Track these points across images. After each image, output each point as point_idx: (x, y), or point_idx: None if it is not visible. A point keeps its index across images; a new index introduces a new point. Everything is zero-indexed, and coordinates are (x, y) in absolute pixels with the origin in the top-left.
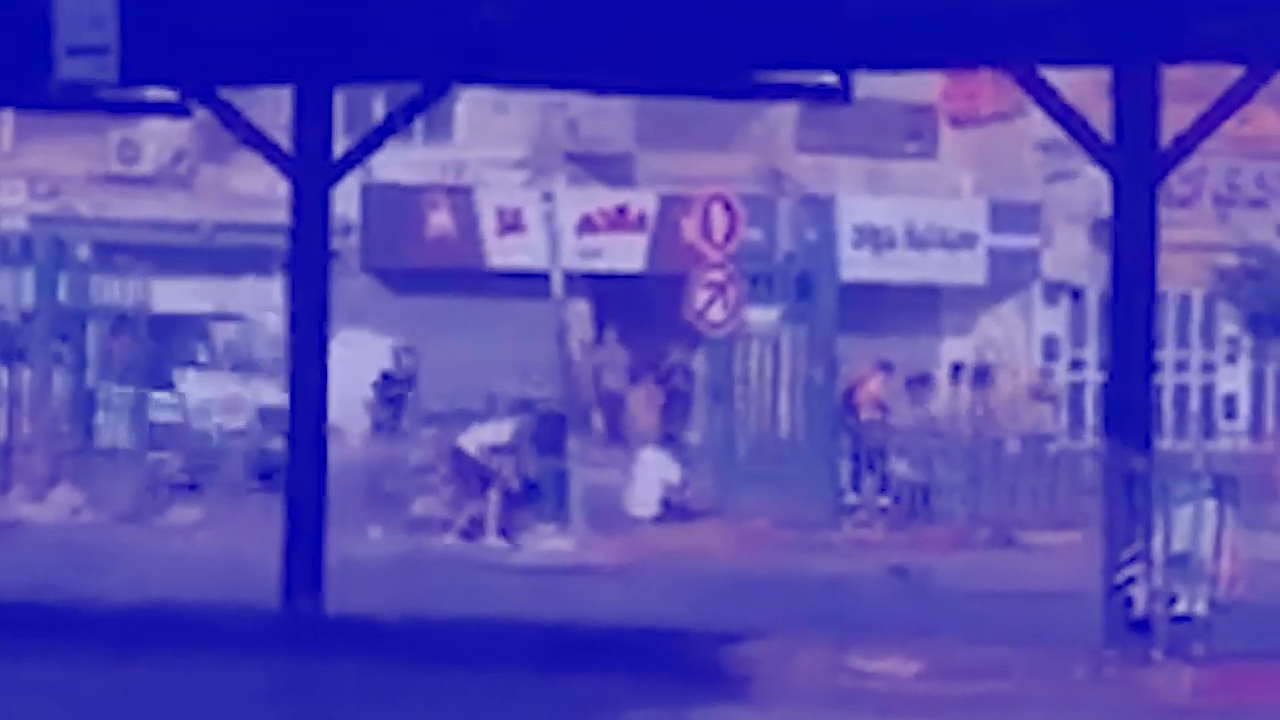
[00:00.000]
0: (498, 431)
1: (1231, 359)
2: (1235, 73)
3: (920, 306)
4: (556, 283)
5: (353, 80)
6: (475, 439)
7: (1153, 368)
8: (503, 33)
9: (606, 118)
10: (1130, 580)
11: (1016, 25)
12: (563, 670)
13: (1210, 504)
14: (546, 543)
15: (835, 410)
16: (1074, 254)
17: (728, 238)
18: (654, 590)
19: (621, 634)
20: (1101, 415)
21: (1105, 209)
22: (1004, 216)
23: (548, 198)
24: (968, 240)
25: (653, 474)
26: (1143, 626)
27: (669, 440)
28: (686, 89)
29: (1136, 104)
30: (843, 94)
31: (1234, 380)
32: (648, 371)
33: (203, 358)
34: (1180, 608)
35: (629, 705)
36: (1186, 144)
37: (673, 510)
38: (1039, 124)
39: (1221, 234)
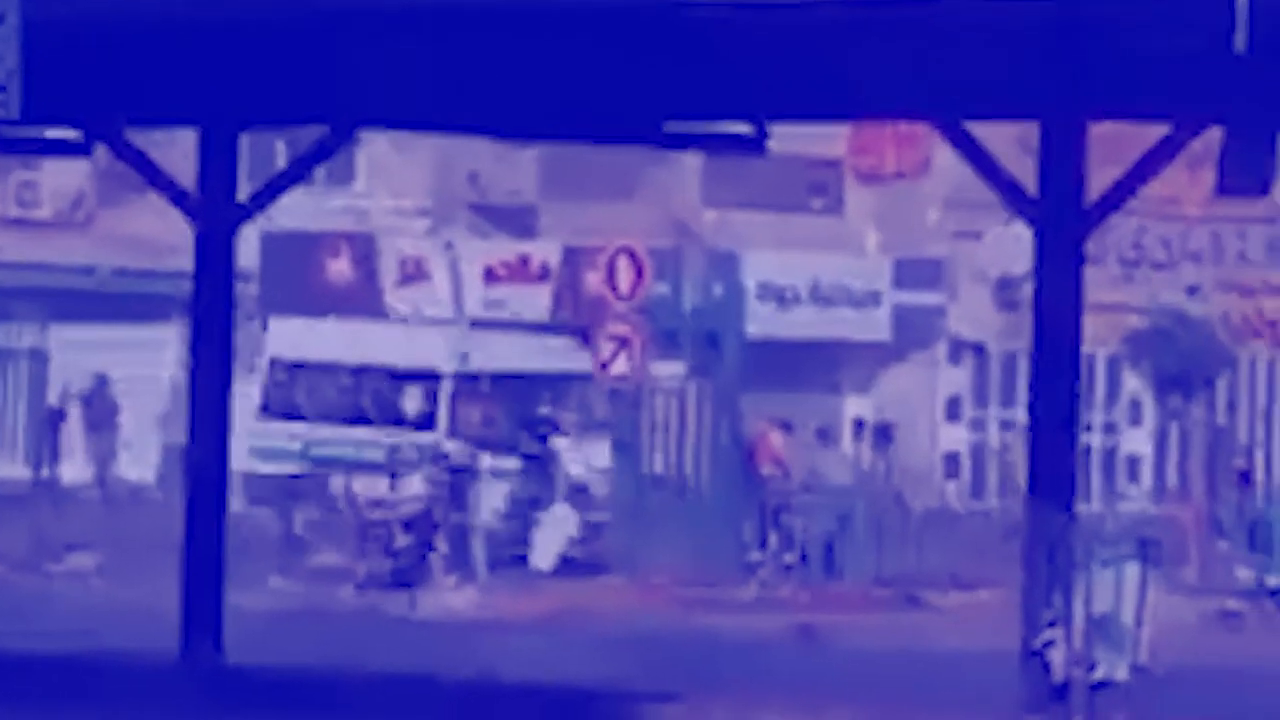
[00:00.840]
0: (378, 485)
1: (1135, 421)
2: (1159, 132)
3: (824, 363)
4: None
5: (259, 124)
6: (365, 491)
7: (1075, 427)
8: (413, 78)
9: (509, 168)
10: (1049, 644)
11: (943, 79)
12: None
13: (1133, 567)
14: (448, 596)
15: (740, 466)
16: (978, 313)
17: (634, 290)
18: (556, 646)
19: (525, 692)
20: (1000, 476)
21: (1010, 268)
22: (908, 273)
23: (449, 246)
24: (873, 297)
25: (555, 527)
26: (1062, 692)
27: (571, 493)
28: (601, 137)
29: (1062, 160)
30: (758, 144)
31: (1137, 442)
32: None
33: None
34: (1100, 674)
35: None
36: (1112, 200)
37: (574, 564)
38: (944, 182)
39: (1127, 295)
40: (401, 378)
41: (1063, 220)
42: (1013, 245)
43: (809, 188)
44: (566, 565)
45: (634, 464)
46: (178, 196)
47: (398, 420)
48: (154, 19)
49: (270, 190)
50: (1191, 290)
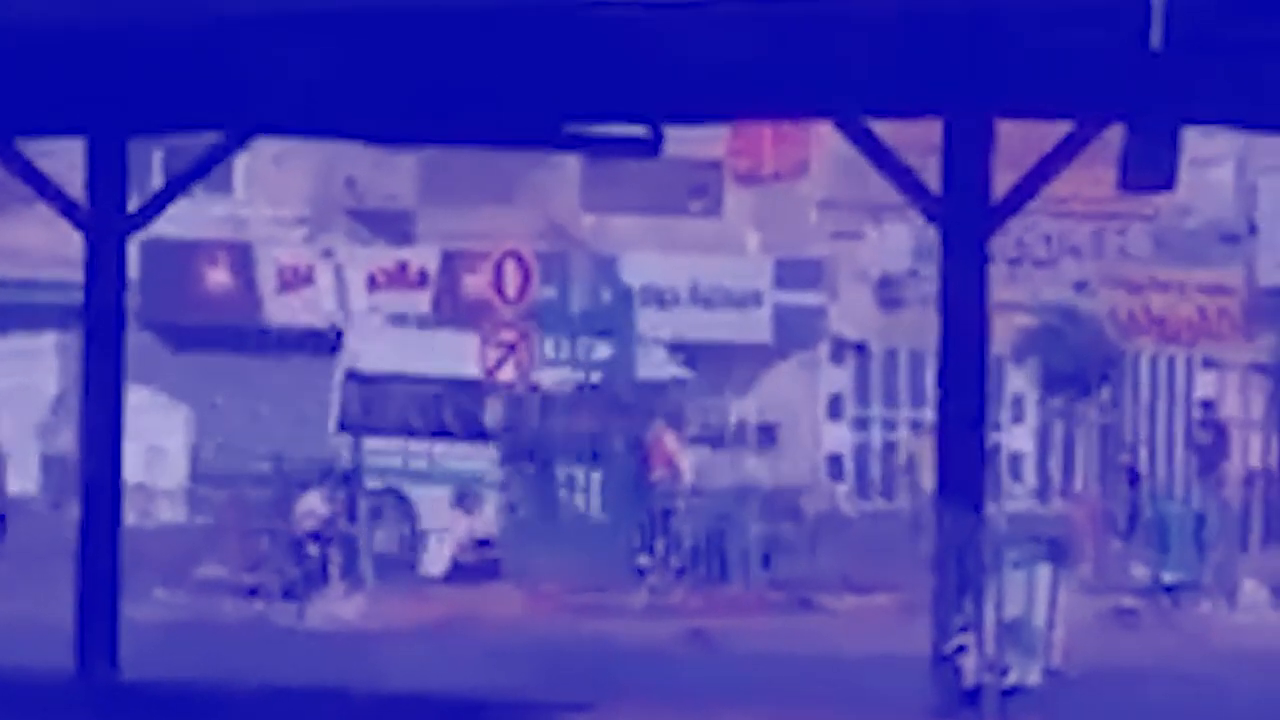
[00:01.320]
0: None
1: (1018, 418)
2: (1063, 128)
3: (706, 365)
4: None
5: (149, 133)
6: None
7: (984, 427)
8: (307, 84)
9: (387, 174)
10: (961, 649)
11: (844, 75)
12: None
13: (1045, 569)
14: (337, 605)
15: (631, 470)
16: (859, 312)
17: (521, 295)
18: (448, 655)
19: (427, 703)
20: (884, 476)
21: (890, 267)
22: (789, 274)
23: (328, 254)
24: (753, 298)
25: (445, 533)
26: (973, 697)
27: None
28: (496, 140)
29: (966, 158)
30: (652, 147)
31: (1020, 440)
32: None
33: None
34: (1012, 678)
35: None
36: (1018, 197)
37: (464, 570)
38: (822, 182)
39: (1010, 292)
40: (483, 390)
41: (968, 218)
42: (893, 244)
43: (688, 190)
44: (456, 572)
45: (523, 469)
46: (67, 207)
47: (480, 433)
48: (37, 28)
49: (159, 200)
50: (1079, 286)
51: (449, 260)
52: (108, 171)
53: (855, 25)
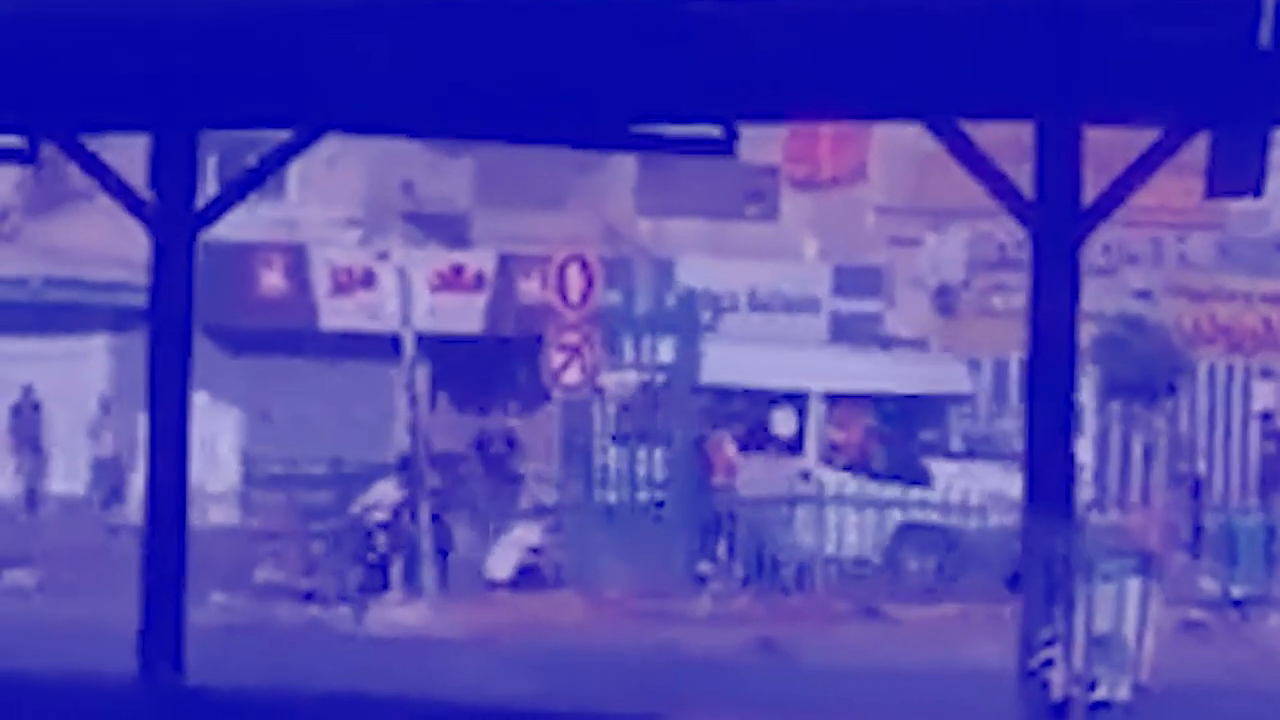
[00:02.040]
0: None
1: (1079, 429)
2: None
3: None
4: (408, 344)
5: (218, 126)
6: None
7: (1074, 435)
8: (383, 80)
9: (441, 177)
10: (1049, 663)
11: (937, 78)
12: None
13: (1135, 582)
14: (396, 611)
15: (694, 476)
16: (917, 319)
17: (584, 299)
18: (506, 663)
19: (480, 713)
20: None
21: (948, 274)
22: (847, 280)
23: (383, 256)
24: (810, 304)
25: (513, 541)
26: (1061, 711)
27: (500, 506)
28: (568, 139)
29: (1058, 162)
30: (727, 146)
31: (1080, 450)
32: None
33: (955, 445)
34: (1101, 693)
35: None
36: (1109, 203)
37: (527, 577)
38: (879, 188)
39: None
40: (770, 399)
41: (1060, 224)
42: (951, 251)
43: (744, 194)
44: (517, 579)
45: (586, 475)
46: (133, 204)
47: (764, 444)
48: (100, 23)
49: (228, 196)
50: (1141, 295)
51: (505, 263)
52: (175, 167)
53: (947, 24)
